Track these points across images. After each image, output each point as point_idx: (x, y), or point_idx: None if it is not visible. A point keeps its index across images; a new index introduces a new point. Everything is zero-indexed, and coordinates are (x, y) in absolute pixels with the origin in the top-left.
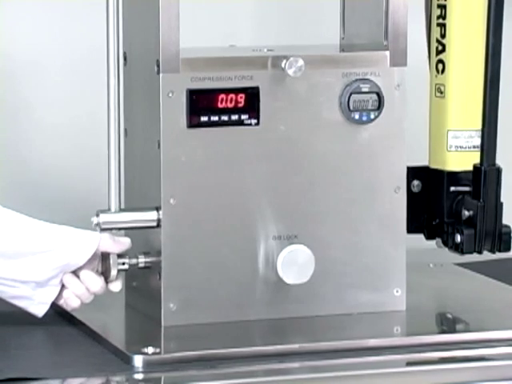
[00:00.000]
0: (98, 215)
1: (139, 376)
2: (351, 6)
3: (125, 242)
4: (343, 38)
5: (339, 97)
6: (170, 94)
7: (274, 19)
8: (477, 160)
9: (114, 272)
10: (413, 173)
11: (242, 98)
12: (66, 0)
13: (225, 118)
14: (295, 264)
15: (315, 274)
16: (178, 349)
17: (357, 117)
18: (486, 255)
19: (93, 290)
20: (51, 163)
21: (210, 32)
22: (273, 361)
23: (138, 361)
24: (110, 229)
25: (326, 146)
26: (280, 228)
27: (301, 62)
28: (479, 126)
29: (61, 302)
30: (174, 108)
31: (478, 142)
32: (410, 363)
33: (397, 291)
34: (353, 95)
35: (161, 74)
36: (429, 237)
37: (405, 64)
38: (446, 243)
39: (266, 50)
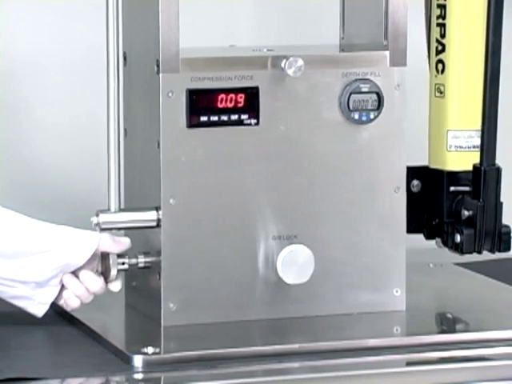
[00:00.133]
0: (97, 215)
1: (139, 376)
2: (351, 5)
3: (125, 242)
4: (343, 38)
5: (339, 97)
6: (170, 94)
7: (274, 19)
8: (477, 160)
9: (113, 272)
10: (413, 173)
11: (241, 97)
12: (65, 0)
13: (225, 117)
14: (295, 264)
15: (315, 274)
16: (177, 349)
17: (357, 117)
18: (486, 255)
19: (92, 290)
20: (51, 163)
21: (210, 32)
22: (272, 361)
23: (138, 361)
24: (110, 229)
25: (326, 146)
26: (280, 228)
27: (301, 62)
28: (479, 125)
29: (61, 303)
30: (174, 108)
31: (477, 141)
32: (409, 363)
33: (397, 291)
34: (353, 95)
35: (161, 74)
36: (429, 237)
37: (405, 64)
38: (445, 243)
39: (265, 50)
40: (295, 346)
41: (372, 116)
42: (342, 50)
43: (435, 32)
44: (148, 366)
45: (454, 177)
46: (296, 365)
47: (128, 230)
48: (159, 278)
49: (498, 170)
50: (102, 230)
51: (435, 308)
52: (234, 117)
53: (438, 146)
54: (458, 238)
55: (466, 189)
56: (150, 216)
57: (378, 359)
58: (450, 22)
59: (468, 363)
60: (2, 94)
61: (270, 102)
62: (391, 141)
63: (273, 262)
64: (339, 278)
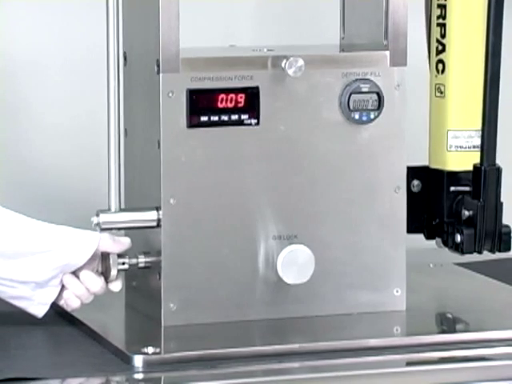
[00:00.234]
0: (98, 215)
1: (139, 376)
2: (351, 5)
3: (125, 242)
4: (343, 38)
5: (339, 97)
6: (170, 94)
7: (274, 19)
8: (477, 160)
9: (114, 272)
10: (413, 173)
11: (241, 97)
12: (65, 0)
13: (225, 117)
14: (295, 264)
15: (315, 274)
16: (178, 349)
17: (357, 117)
18: (486, 255)
19: (93, 290)
20: (51, 163)
21: (210, 32)
22: (272, 361)
23: (138, 361)
24: (110, 229)
25: (326, 145)
26: (280, 228)
27: (301, 62)
28: (479, 125)
29: (61, 303)
30: (174, 108)
31: (478, 141)
32: (409, 363)
33: (397, 291)
34: (353, 95)
35: (161, 74)
36: (429, 237)
37: (405, 64)
38: (446, 243)
39: (266, 50)
40: (295, 346)
41: (372, 116)
42: (342, 50)
43: (435, 32)
44: (148, 366)
45: (455, 177)
46: (296, 365)
47: (128, 230)
48: (159, 278)
49: (498, 170)
50: (102, 229)
51: (435, 308)
52: (235, 117)
53: (439, 145)
54: (458, 237)
55: (466, 189)
56: (150, 216)
57: (378, 359)
58: (451, 22)
59: (468, 363)
60: (2, 93)
61: (271, 101)
62: (391, 141)
63: (273, 262)
64: (339, 278)
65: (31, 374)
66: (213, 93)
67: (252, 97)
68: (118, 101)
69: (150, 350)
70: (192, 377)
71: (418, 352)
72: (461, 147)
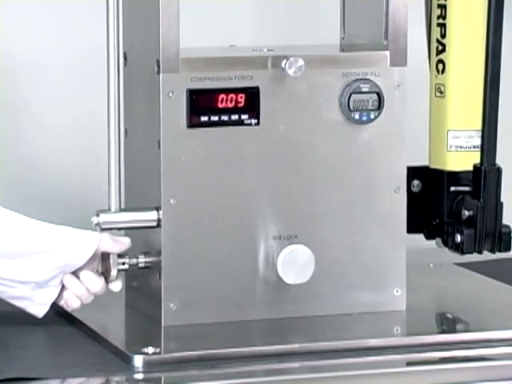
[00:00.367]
0: (98, 215)
1: (139, 376)
2: (351, 6)
3: (125, 242)
4: (343, 38)
5: (339, 97)
6: (170, 94)
7: (274, 19)
8: (477, 160)
9: (114, 272)
10: (413, 173)
11: (242, 97)
12: (65, 0)
13: (225, 117)
14: (295, 264)
15: (315, 274)
16: (178, 349)
17: (357, 117)
18: (486, 255)
19: (93, 290)
20: (51, 163)
21: (210, 32)
22: (273, 361)
23: (138, 361)
24: (110, 229)
25: (326, 146)
26: (280, 228)
27: (301, 62)
28: (479, 126)
29: (61, 303)
30: (174, 108)
31: (478, 141)
32: (410, 363)
33: (397, 291)
34: (353, 95)
35: (161, 74)
36: (429, 237)
37: (405, 64)
38: (446, 243)
39: (266, 50)
40: (295, 346)
41: (372, 116)
42: (342, 49)
43: (435, 32)
44: (148, 366)
45: (455, 177)
46: (296, 365)
47: (128, 230)
48: (159, 278)
49: (499, 170)
50: (103, 229)
51: (435, 308)
52: (235, 117)
53: (439, 145)
54: (458, 238)
55: (467, 189)
56: (151, 216)
57: (379, 359)
58: (451, 22)
59: (468, 363)
60: (2, 93)
61: (271, 101)
62: (391, 141)
63: (273, 262)
64: (339, 277)
65: (31, 373)
66: (213, 93)
67: (252, 97)
68: (118, 101)
69: (150, 349)
70: (192, 377)
71: (419, 352)
72: (461, 147)
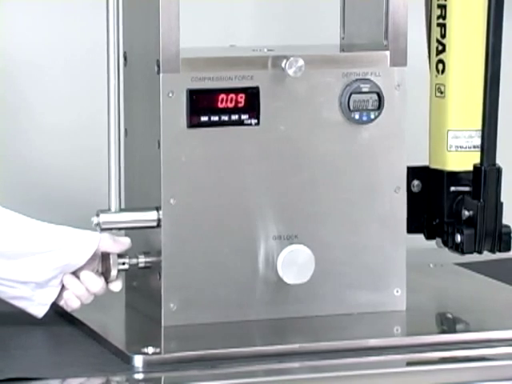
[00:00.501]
0: (98, 215)
1: (139, 376)
2: (351, 6)
3: (125, 242)
4: (343, 38)
5: (339, 97)
6: (170, 94)
7: (274, 19)
8: (477, 160)
9: (114, 272)
10: (413, 173)
11: (242, 97)
12: (65, 0)
13: (225, 117)
14: (295, 264)
15: (315, 274)
16: (178, 349)
17: (357, 117)
18: (486, 255)
19: (93, 290)
20: (51, 163)
21: (210, 32)
22: (273, 361)
23: (138, 361)
24: (110, 229)
25: (327, 146)
26: (280, 228)
27: (301, 62)
28: (479, 125)
29: (61, 303)
30: (174, 108)
31: (478, 142)
32: (410, 363)
33: (397, 291)
34: (353, 95)
35: (161, 74)
36: (429, 237)
37: (405, 64)
38: (446, 243)
39: (266, 50)
40: (295, 346)
41: (372, 116)
42: (342, 49)
43: (435, 32)
44: (148, 366)
45: (455, 177)
46: (296, 365)
47: (128, 230)
48: (159, 278)
49: (499, 170)
50: (103, 230)
51: (435, 308)
52: (235, 117)
53: (439, 146)
54: (458, 238)
55: (467, 189)
56: (151, 216)
57: (379, 359)
58: (451, 22)
59: (468, 363)
60: (2, 93)
61: (271, 102)
62: (391, 141)
63: (273, 262)
64: (339, 278)
65: (31, 373)
66: (213, 93)
67: (252, 97)
68: (118, 101)
69: (150, 350)
70: (192, 377)
71: (419, 352)
72: (461, 147)
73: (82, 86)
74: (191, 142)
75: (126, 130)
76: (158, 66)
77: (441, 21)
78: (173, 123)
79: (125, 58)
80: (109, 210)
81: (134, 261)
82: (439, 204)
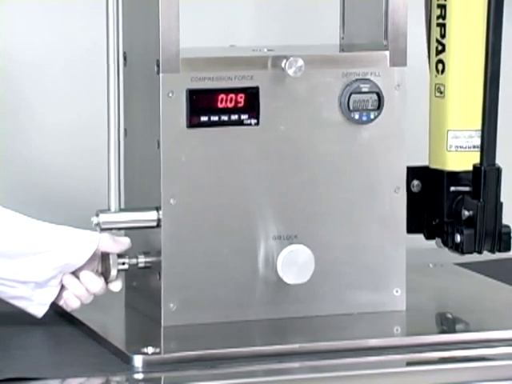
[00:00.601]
0: (97, 215)
1: (139, 376)
2: (351, 6)
3: (125, 242)
4: (343, 38)
5: (339, 97)
6: (170, 94)
7: (274, 19)
8: (477, 160)
9: (113, 272)
10: (413, 173)
11: (241, 97)
12: (65, 0)
13: (225, 117)
14: (295, 264)
15: (315, 274)
16: (178, 349)
17: (357, 117)
18: (486, 255)
19: (93, 290)
20: (51, 163)
21: (210, 32)
22: (273, 361)
23: (138, 361)
24: (110, 229)
25: (326, 146)
26: (280, 228)
27: (301, 62)
28: (479, 125)
29: (61, 303)
30: (174, 108)
31: (478, 141)
32: (410, 363)
33: (397, 291)
34: (353, 95)
35: (161, 74)
36: (429, 237)
37: (405, 64)
38: (445, 243)
39: (266, 50)
40: (295, 346)
41: (372, 116)
42: (342, 49)
43: (435, 32)
44: (148, 366)
45: (454, 177)
46: (296, 365)
47: (128, 230)
48: (159, 278)
49: (498, 170)
50: (102, 230)
51: (435, 308)
52: (234, 117)
53: (438, 145)
54: (458, 238)
55: (466, 189)
56: (151, 216)
57: (379, 359)
58: (450, 22)
59: (468, 363)
60: (2, 93)
61: (270, 102)
62: (391, 141)
63: (273, 262)
64: (339, 278)
65: (31, 374)
66: (213, 93)
67: (252, 97)
68: (118, 101)
69: (150, 350)
70: (192, 377)
71: (419, 352)
72: (461, 147)
73: (81, 86)
74: (191, 142)
75: (125, 130)
76: (158, 66)
77: (440, 21)
78: (173, 123)
79: (125, 58)
80: (108, 209)
81: (134, 261)
82: (439, 204)
